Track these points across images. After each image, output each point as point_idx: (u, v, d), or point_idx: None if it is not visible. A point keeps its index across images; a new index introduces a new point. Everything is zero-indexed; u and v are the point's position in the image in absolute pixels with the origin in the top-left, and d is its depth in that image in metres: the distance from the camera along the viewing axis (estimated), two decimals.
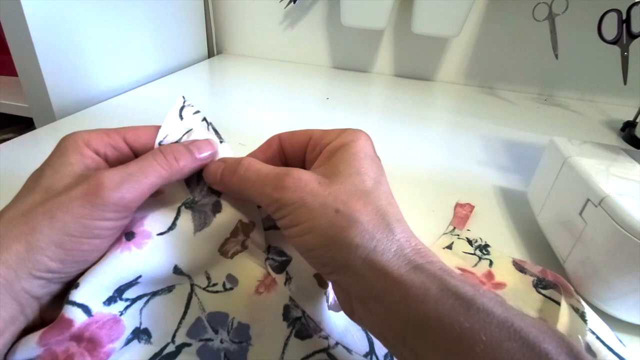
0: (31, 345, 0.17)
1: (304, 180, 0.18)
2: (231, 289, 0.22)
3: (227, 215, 0.22)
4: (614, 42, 0.54)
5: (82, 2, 0.49)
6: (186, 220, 0.21)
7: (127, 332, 0.19)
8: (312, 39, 0.80)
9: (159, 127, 0.22)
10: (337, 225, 0.16)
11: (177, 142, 0.22)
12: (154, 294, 0.21)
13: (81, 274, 0.18)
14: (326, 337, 0.21)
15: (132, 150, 0.21)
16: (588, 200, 0.25)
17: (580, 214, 0.26)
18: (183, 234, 0.21)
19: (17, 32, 0.43)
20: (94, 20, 0.51)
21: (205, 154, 0.21)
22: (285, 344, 0.20)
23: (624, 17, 0.52)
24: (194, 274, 0.21)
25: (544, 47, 0.63)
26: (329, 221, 0.16)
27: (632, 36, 0.53)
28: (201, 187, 0.22)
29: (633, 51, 0.54)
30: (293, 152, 0.23)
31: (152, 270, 0.20)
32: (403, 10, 0.72)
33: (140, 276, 0.19)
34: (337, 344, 0.21)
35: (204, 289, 0.21)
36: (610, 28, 0.54)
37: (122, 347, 0.19)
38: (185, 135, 0.22)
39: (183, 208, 0.21)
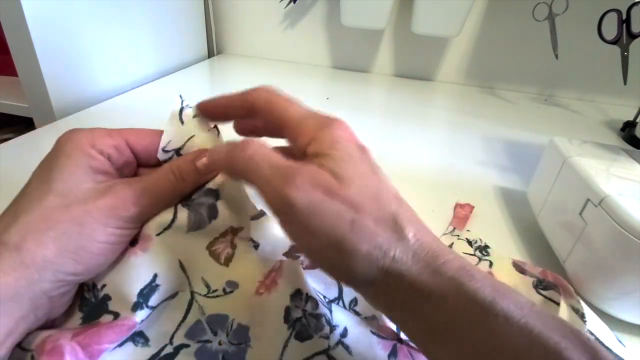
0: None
1: (317, 180, 0.16)
2: (231, 292, 0.22)
3: (221, 222, 0.22)
4: (614, 42, 0.54)
5: (82, 2, 0.49)
6: (182, 219, 0.21)
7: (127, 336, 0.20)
8: (312, 39, 0.80)
9: (160, 132, 0.22)
10: (355, 237, 0.15)
11: (180, 148, 0.22)
12: (163, 300, 0.21)
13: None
14: (327, 337, 0.21)
15: (133, 152, 0.21)
16: (588, 200, 0.25)
17: (580, 214, 0.26)
18: (178, 232, 0.21)
19: (17, 32, 0.43)
20: (94, 20, 0.51)
21: (210, 168, 0.21)
22: (285, 346, 0.20)
23: (624, 17, 0.52)
24: (192, 276, 0.22)
25: (544, 47, 0.63)
26: (344, 233, 0.15)
27: (632, 36, 0.53)
28: (199, 188, 0.22)
29: (633, 51, 0.53)
30: (271, 128, 0.21)
31: (164, 268, 0.21)
32: (403, 10, 0.72)
33: (156, 275, 0.20)
34: (337, 344, 0.21)
35: (204, 296, 0.22)
36: (610, 28, 0.54)
37: (115, 347, 0.19)
38: (189, 142, 0.22)
39: (180, 206, 0.21)
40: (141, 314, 0.19)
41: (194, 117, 0.23)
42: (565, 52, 0.62)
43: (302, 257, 0.23)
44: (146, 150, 0.21)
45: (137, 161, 0.22)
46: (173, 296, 0.21)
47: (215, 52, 0.85)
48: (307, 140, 0.18)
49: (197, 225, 0.22)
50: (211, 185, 0.22)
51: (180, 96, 0.23)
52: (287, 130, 0.19)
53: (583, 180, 0.26)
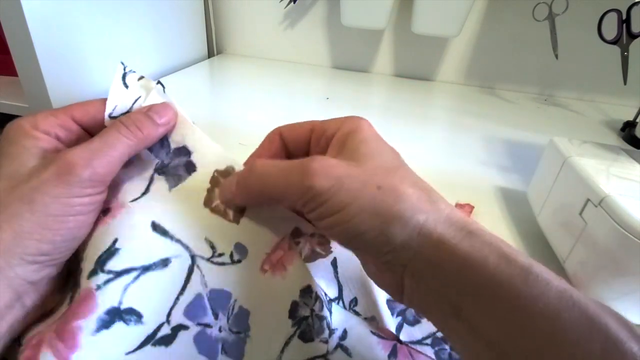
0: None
1: (332, 163, 0.16)
2: (239, 261, 0.20)
3: (203, 169, 0.21)
4: (614, 42, 0.54)
5: (82, 2, 0.49)
6: (160, 183, 0.21)
7: (99, 311, 0.17)
8: (312, 39, 0.80)
9: (105, 100, 0.21)
10: (384, 202, 0.15)
11: (127, 112, 0.21)
12: (145, 269, 0.19)
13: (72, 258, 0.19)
14: (326, 342, 0.20)
15: (82, 126, 0.21)
16: (588, 200, 0.25)
17: (580, 214, 0.26)
18: (157, 194, 0.20)
19: (17, 32, 0.43)
20: (94, 20, 0.51)
21: (165, 118, 0.21)
22: (287, 343, 0.20)
23: (624, 17, 0.52)
24: (188, 239, 0.20)
25: (544, 47, 0.63)
26: (373, 199, 0.15)
27: (632, 36, 0.53)
28: (166, 150, 0.22)
29: (633, 51, 0.53)
30: (296, 146, 0.22)
31: (128, 232, 0.19)
32: (403, 10, 0.72)
33: (116, 239, 0.19)
34: (336, 347, 0.20)
35: (208, 259, 0.20)
36: (610, 28, 0.54)
37: (99, 329, 0.17)
38: (136, 104, 0.22)
39: (156, 175, 0.21)
40: (97, 279, 0.18)
41: (138, 79, 0.22)
42: (565, 52, 0.62)
43: (301, 245, 0.22)
44: (95, 121, 0.21)
45: (92, 135, 0.21)
46: (165, 264, 0.19)
47: (215, 52, 0.85)
48: (334, 130, 0.19)
49: (177, 180, 0.21)
50: (176, 144, 0.21)
51: (122, 63, 0.23)
52: (314, 132, 0.20)
53: (583, 180, 0.26)
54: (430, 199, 0.16)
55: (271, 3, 0.76)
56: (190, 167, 0.21)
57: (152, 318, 0.18)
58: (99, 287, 0.18)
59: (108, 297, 0.18)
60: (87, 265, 0.18)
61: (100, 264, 0.18)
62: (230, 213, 0.21)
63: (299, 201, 0.17)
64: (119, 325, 0.17)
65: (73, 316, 0.17)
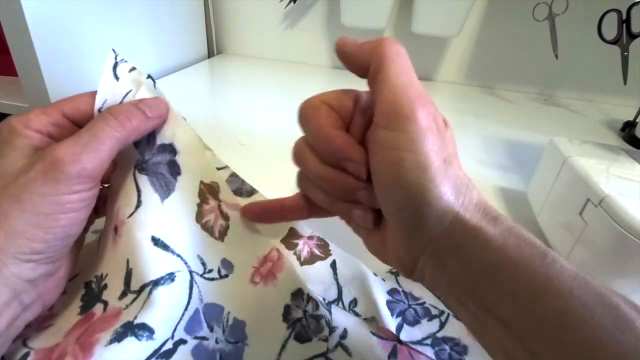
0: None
1: (436, 118, 0.17)
2: (226, 275, 0.21)
3: (188, 177, 0.21)
4: (614, 42, 0.54)
5: (82, 2, 0.49)
6: (149, 192, 0.20)
7: (117, 325, 0.18)
8: (312, 39, 0.80)
9: (95, 93, 0.21)
10: (444, 172, 0.16)
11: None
12: (155, 284, 0.19)
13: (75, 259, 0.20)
14: (325, 340, 0.20)
15: (74, 122, 0.20)
16: (588, 200, 0.25)
17: (580, 214, 0.26)
18: (151, 207, 0.20)
19: (17, 32, 0.43)
20: (94, 20, 0.51)
21: (156, 112, 0.20)
22: (283, 346, 0.20)
23: (624, 17, 0.52)
24: (186, 254, 0.21)
25: (544, 47, 0.63)
26: (439, 164, 0.16)
27: (632, 36, 0.53)
28: (150, 146, 0.21)
29: (633, 51, 0.53)
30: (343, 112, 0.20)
31: (134, 250, 0.19)
32: (403, 10, 0.72)
33: (128, 259, 0.19)
34: (336, 346, 0.21)
35: (201, 275, 0.21)
36: (610, 28, 0.54)
37: (112, 341, 0.17)
38: (126, 99, 0.21)
39: (137, 173, 0.21)
40: (126, 300, 0.19)
41: (130, 71, 0.22)
42: (565, 52, 0.62)
43: (299, 247, 0.22)
44: (86, 116, 0.20)
45: None
46: (172, 279, 0.20)
47: (215, 52, 0.85)
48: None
49: (165, 188, 0.21)
50: (163, 140, 0.21)
51: (114, 50, 0.22)
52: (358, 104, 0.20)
53: (583, 180, 0.26)
54: (469, 184, 0.17)
55: (271, 3, 0.76)
56: (174, 168, 0.21)
57: (161, 334, 0.19)
58: (127, 307, 0.19)
59: (129, 313, 0.18)
60: (115, 284, 0.19)
61: (127, 285, 0.19)
62: (216, 231, 0.21)
63: (395, 108, 0.16)
64: (130, 340, 0.18)
65: (97, 329, 0.18)
